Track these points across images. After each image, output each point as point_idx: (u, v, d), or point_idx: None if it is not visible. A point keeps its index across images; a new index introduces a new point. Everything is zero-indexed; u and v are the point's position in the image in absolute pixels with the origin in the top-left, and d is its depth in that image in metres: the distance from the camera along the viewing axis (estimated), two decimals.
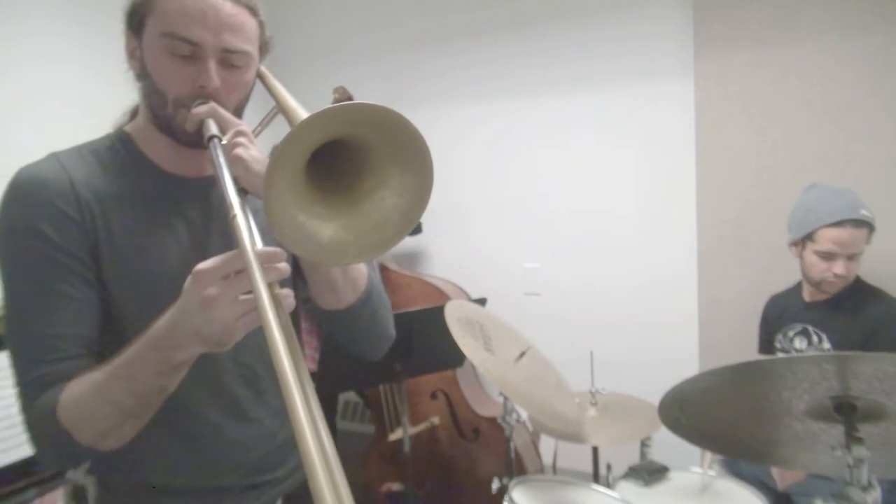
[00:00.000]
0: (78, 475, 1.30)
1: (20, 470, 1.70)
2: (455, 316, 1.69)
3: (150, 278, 0.92)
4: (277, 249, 0.74)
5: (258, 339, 0.98)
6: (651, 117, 2.60)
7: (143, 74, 0.94)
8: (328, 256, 0.77)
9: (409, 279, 2.72)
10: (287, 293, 0.75)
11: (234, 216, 0.75)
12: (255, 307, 0.69)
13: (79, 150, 0.97)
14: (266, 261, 0.72)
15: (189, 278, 0.75)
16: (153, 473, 0.98)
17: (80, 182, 0.91)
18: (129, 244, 0.92)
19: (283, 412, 1.03)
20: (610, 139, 2.68)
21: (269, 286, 0.71)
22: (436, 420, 2.62)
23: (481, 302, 2.36)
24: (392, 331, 1.12)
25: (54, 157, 0.94)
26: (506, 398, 1.86)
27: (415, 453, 2.26)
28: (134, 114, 1.04)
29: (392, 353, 2.07)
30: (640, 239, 2.66)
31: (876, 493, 1.07)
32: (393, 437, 2.31)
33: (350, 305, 1.01)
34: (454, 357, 1.89)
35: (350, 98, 2.31)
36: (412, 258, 3.15)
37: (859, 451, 1.07)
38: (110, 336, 0.91)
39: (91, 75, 2.35)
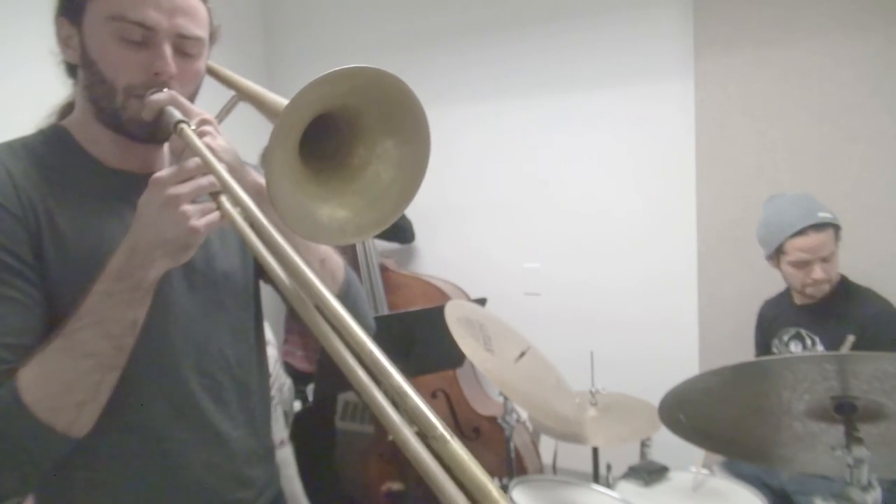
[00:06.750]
0: None
1: None
2: (455, 316, 1.69)
3: None
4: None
5: (220, 346, 0.97)
6: (651, 117, 2.59)
7: (84, 64, 0.86)
8: (327, 235, 0.77)
9: (408, 279, 2.72)
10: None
11: (181, 125, 0.80)
12: (227, 195, 0.74)
13: (9, 145, 0.88)
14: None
15: (146, 190, 0.77)
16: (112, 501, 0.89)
17: (18, 177, 0.83)
18: (77, 245, 0.85)
19: (247, 424, 1.00)
20: (610, 139, 2.68)
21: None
22: None
23: (481, 302, 2.35)
24: (372, 323, 1.09)
25: None
26: (506, 398, 1.86)
27: None
28: (63, 113, 0.96)
29: (392, 353, 2.10)
30: (640, 239, 2.66)
31: (876, 493, 1.07)
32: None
33: None
34: (454, 357, 1.89)
35: None
36: (412, 258, 3.15)
37: (859, 451, 1.07)
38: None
39: None
